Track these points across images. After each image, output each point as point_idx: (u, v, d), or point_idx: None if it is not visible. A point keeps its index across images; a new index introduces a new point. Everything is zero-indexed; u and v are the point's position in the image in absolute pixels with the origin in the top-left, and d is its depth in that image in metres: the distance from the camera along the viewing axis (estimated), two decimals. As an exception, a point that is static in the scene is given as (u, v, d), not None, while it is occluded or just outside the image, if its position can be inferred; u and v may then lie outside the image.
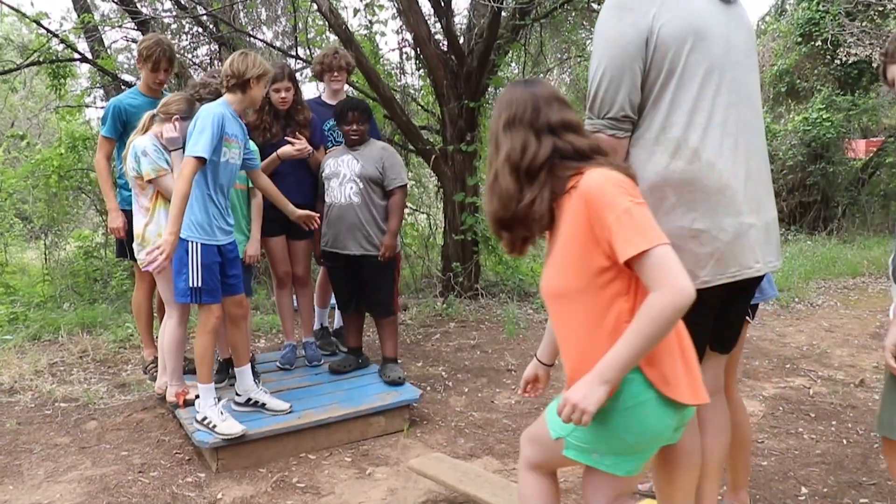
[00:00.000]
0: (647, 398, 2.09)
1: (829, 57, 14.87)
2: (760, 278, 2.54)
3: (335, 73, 5.46)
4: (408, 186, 5.45)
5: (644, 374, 2.08)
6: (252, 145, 4.54)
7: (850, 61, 13.78)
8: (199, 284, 4.03)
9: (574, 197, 2.10)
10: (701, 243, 2.29)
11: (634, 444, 2.14)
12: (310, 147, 4.99)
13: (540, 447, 2.40)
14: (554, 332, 2.38)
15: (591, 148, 2.18)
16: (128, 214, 4.86)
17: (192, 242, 4.01)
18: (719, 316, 2.49)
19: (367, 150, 5.00)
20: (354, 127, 4.94)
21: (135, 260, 4.73)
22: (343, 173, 4.92)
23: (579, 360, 2.17)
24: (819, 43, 14.78)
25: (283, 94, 4.94)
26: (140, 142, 4.38)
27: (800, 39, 15.51)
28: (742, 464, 3.22)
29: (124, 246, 5.02)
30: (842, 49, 13.85)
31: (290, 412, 4.35)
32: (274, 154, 4.93)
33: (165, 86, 5.30)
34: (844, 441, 4.41)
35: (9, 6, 8.57)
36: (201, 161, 3.90)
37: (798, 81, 15.85)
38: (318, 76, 5.63)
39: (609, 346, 2.03)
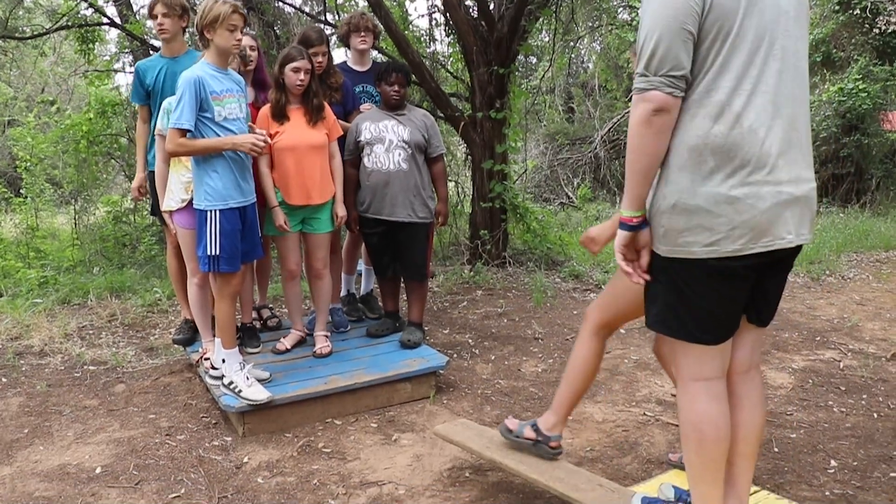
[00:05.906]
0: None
1: (867, 26, 14.59)
2: (798, 250, 2.49)
3: (362, 34, 5.42)
4: (443, 154, 5.47)
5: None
6: None
7: (889, 30, 13.50)
8: (217, 252, 3.99)
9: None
10: (737, 210, 2.24)
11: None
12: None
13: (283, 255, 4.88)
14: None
15: None
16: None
17: (210, 212, 3.98)
18: (756, 287, 2.45)
19: (410, 115, 5.00)
20: (397, 88, 4.92)
21: (164, 221, 4.76)
22: (388, 139, 4.89)
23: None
24: (857, 11, 14.49)
25: (318, 59, 4.89)
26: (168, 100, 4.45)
27: (837, 8, 15.21)
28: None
29: (158, 206, 5.02)
30: (881, 18, 13.58)
31: (267, 401, 4.05)
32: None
33: (189, 44, 5.29)
34: (875, 415, 4.35)
35: (38, -30, 8.59)
36: (183, 132, 3.87)
37: (834, 51, 15.55)
38: (343, 38, 5.58)
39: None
